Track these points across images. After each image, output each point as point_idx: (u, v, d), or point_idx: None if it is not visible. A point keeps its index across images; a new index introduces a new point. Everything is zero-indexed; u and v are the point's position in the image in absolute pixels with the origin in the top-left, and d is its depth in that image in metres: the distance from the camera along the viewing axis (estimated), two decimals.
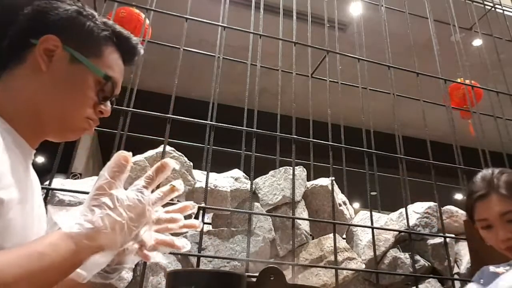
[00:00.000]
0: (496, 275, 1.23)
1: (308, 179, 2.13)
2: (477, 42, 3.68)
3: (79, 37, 0.76)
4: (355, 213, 2.20)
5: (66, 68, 0.74)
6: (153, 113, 1.76)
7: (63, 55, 0.74)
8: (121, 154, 0.67)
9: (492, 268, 1.26)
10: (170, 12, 1.97)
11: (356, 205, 6.48)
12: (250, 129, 1.85)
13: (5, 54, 0.73)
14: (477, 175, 1.21)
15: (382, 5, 2.53)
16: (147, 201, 0.68)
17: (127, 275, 1.51)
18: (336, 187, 2.05)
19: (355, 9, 2.83)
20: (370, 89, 2.26)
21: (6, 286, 0.50)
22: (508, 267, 1.23)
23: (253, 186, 1.88)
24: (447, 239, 1.94)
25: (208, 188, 1.69)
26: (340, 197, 2.14)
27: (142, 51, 0.87)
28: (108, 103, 0.81)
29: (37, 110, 0.73)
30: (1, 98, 0.71)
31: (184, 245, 0.76)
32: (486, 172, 1.19)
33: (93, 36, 0.77)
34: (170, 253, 1.64)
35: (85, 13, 0.78)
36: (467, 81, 2.59)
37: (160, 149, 1.76)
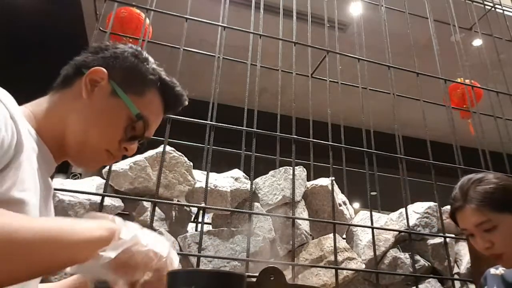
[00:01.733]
0: (497, 277, 1.24)
1: (308, 179, 2.13)
2: (477, 42, 3.68)
3: (126, 75, 0.81)
4: (355, 213, 2.20)
5: (105, 99, 0.78)
6: None
7: (106, 87, 0.79)
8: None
9: (492, 271, 1.27)
10: (170, 12, 1.97)
11: (356, 205, 6.48)
12: (250, 129, 1.85)
13: (61, 79, 0.81)
14: (458, 182, 1.21)
15: (382, 5, 2.53)
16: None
17: None
18: (336, 187, 2.05)
19: (355, 9, 2.83)
20: (370, 89, 2.26)
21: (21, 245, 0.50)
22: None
23: (253, 186, 1.88)
24: (447, 239, 1.94)
25: (208, 188, 1.69)
26: (340, 197, 2.14)
27: (186, 102, 0.91)
28: (136, 143, 0.83)
29: (64, 131, 0.77)
30: (40, 113, 0.76)
31: None
32: (464, 180, 1.19)
33: (139, 77, 0.82)
34: None
35: (140, 56, 0.84)
36: (467, 81, 2.59)
37: (160, 149, 1.76)
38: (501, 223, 1.09)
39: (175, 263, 0.66)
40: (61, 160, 0.82)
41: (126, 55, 0.82)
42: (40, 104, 0.78)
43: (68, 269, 0.58)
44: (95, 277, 0.59)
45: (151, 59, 0.86)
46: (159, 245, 0.63)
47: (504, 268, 1.24)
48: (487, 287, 1.25)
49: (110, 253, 0.57)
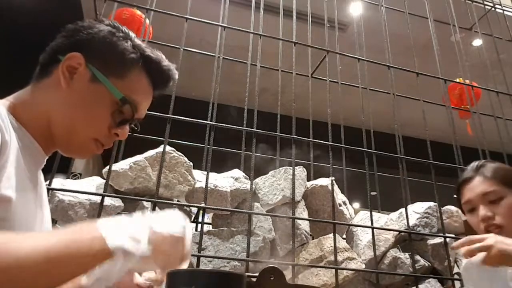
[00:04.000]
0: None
1: (308, 179, 2.13)
2: (477, 42, 3.68)
3: (104, 57, 0.76)
4: (355, 213, 2.20)
5: (85, 86, 0.74)
6: (153, 113, 1.75)
7: (85, 73, 0.74)
8: None
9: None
10: (170, 12, 1.97)
11: (356, 205, 6.48)
12: (250, 129, 1.85)
13: (40, 68, 0.77)
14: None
15: (382, 5, 2.53)
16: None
17: None
18: (336, 187, 2.05)
19: (355, 9, 2.83)
20: (370, 89, 2.26)
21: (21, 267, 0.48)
22: None
23: (253, 186, 1.88)
24: (447, 239, 1.94)
25: (208, 188, 1.69)
26: (340, 197, 2.14)
27: (176, 76, 0.85)
28: (127, 126, 0.78)
29: (49, 123, 0.74)
30: (20, 106, 0.73)
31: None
32: (475, 162, 1.27)
33: (119, 57, 0.76)
34: None
35: (117, 33, 0.78)
36: (467, 81, 2.59)
37: (160, 149, 1.76)
38: (507, 196, 1.13)
39: (189, 239, 0.64)
40: (52, 150, 0.80)
41: (102, 34, 0.77)
42: (22, 96, 0.76)
43: (84, 280, 0.55)
44: (112, 280, 0.57)
45: (131, 34, 0.80)
46: (173, 227, 0.60)
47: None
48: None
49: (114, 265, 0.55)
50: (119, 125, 0.77)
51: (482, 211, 1.13)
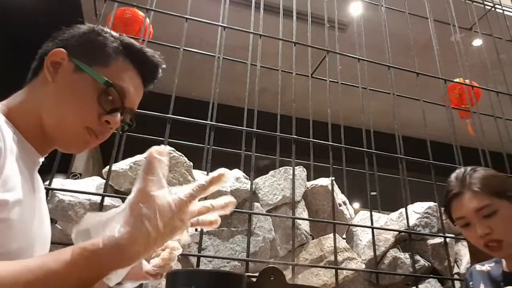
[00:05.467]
0: (483, 273, 1.23)
1: (308, 179, 2.13)
2: (477, 42, 3.68)
3: (86, 49, 0.78)
4: (355, 213, 2.20)
5: (70, 77, 0.76)
6: (153, 113, 1.76)
7: (68, 66, 0.77)
8: (153, 149, 0.61)
9: (478, 267, 1.27)
10: (170, 12, 1.97)
11: (356, 205, 6.47)
12: (250, 129, 1.85)
13: (30, 73, 0.80)
14: (451, 174, 1.21)
15: (382, 5, 2.53)
16: (186, 218, 0.60)
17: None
18: (336, 187, 2.05)
19: (355, 9, 2.83)
20: (370, 89, 2.26)
21: None
22: (493, 263, 1.23)
23: (253, 186, 1.88)
24: (447, 239, 1.94)
25: None
26: (340, 197, 2.14)
27: (163, 65, 0.86)
28: (118, 114, 0.78)
29: (40, 120, 0.75)
30: (13, 108, 0.76)
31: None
32: (458, 171, 1.20)
33: (100, 48, 0.79)
34: None
35: (96, 29, 0.82)
36: (467, 81, 2.59)
37: None
38: (501, 208, 1.09)
39: None
40: (49, 150, 0.80)
41: (82, 31, 0.81)
42: (14, 99, 0.78)
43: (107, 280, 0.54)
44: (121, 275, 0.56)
45: (110, 30, 0.83)
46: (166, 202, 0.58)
47: (490, 265, 1.24)
48: (472, 283, 1.25)
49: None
50: (109, 112, 0.77)
51: (479, 229, 1.09)
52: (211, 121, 1.82)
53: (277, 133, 1.90)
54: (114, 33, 0.83)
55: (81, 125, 0.75)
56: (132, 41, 0.83)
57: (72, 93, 0.75)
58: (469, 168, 1.19)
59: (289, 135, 1.92)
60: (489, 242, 1.09)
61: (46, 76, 0.76)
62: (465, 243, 2.18)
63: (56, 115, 0.75)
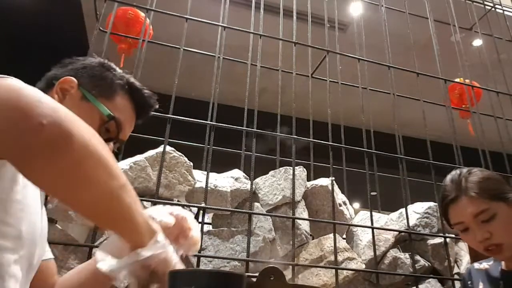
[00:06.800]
0: (481, 272, 1.23)
1: (308, 179, 2.13)
2: (477, 42, 3.68)
3: (94, 82, 0.86)
4: (355, 213, 2.20)
5: (76, 104, 0.82)
6: (153, 113, 1.75)
7: (76, 94, 0.84)
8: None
9: (476, 266, 1.27)
10: (170, 12, 1.97)
11: (356, 205, 6.47)
12: (250, 129, 1.85)
13: None
14: (446, 178, 1.19)
15: (382, 5, 2.53)
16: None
17: None
18: (336, 187, 2.05)
19: (355, 9, 2.83)
20: (370, 89, 2.26)
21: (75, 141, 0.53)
22: (492, 261, 1.23)
23: (253, 186, 1.88)
24: (447, 239, 1.94)
25: (208, 188, 1.69)
26: (340, 197, 2.14)
27: (156, 105, 0.95)
28: (111, 144, 0.86)
29: None
30: None
31: None
32: (454, 174, 1.18)
33: (107, 82, 0.87)
34: None
35: (105, 65, 0.90)
36: (467, 81, 2.59)
37: (160, 149, 1.76)
38: (499, 211, 1.07)
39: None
40: None
41: (93, 65, 0.89)
42: None
43: (100, 264, 0.59)
44: (123, 273, 0.59)
45: (117, 68, 0.92)
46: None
47: (489, 263, 1.24)
48: (471, 282, 1.25)
49: (147, 252, 0.58)
50: (105, 141, 0.82)
51: (478, 235, 1.08)
52: (211, 121, 1.82)
53: (277, 133, 1.90)
54: (119, 70, 0.91)
55: None
56: (134, 80, 0.92)
57: None
58: (464, 170, 1.17)
59: (289, 135, 1.92)
60: (489, 246, 1.08)
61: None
62: (465, 243, 2.18)
63: None
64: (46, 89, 0.83)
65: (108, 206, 0.57)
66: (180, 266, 0.63)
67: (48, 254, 0.90)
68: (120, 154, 1.70)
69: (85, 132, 0.55)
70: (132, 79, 0.92)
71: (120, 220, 0.58)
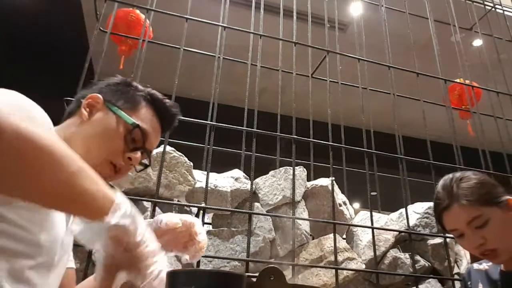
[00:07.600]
0: (480, 272, 1.23)
1: (308, 179, 2.13)
2: (477, 42, 3.68)
3: (118, 96, 0.92)
4: (355, 213, 2.20)
5: (103, 118, 0.89)
6: None
7: (102, 109, 0.90)
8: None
9: (476, 266, 1.27)
10: (170, 12, 1.97)
11: (356, 205, 6.48)
12: (250, 129, 1.85)
13: (66, 113, 0.94)
14: (439, 183, 1.18)
15: (382, 5, 2.53)
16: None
17: None
18: (336, 187, 2.05)
19: (355, 9, 2.83)
20: (370, 89, 2.25)
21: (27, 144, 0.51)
22: (491, 262, 1.23)
23: (253, 186, 1.88)
24: (447, 239, 1.94)
25: (208, 188, 1.69)
26: (340, 197, 2.14)
27: (179, 114, 1.01)
28: (138, 153, 0.89)
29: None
30: None
31: None
32: (446, 179, 1.17)
33: (130, 96, 0.94)
34: None
35: (127, 82, 0.97)
36: (467, 81, 2.59)
37: (160, 149, 1.76)
38: (492, 216, 1.07)
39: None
40: None
41: (115, 82, 0.96)
42: None
43: (74, 227, 0.59)
44: (91, 240, 0.58)
45: (138, 84, 0.98)
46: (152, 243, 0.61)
47: (488, 264, 1.24)
48: (470, 283, 1.25)
49: (113, 219, 0.57)
50: (132, 150, 0.89)
51: (473, 241, 1.08)
52: (211, 121, 1.82)
53: (277, 133, 1.90)
54: (140, 86, 0.98)
55: (105, 159, 0.86)
56: (156, 92, 0.97)
57: (103, 130, 0.88)
58: (457, 175, 1.16)
59: (289, 135, 1.92)
60: (484, 252, 1.08)
61: (82, 116, 0.88)
62: None
63: (82, 147, 0.83)
64: (76, 108, 0.91)
65: (58, 192, 0.55)
66: (152, 241, 0.60)
67: (70, 263, 0.92)
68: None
69: (20, 124, 0.52)
70: (152, 91, 0.97)
71: (76, 203, 0.56)
